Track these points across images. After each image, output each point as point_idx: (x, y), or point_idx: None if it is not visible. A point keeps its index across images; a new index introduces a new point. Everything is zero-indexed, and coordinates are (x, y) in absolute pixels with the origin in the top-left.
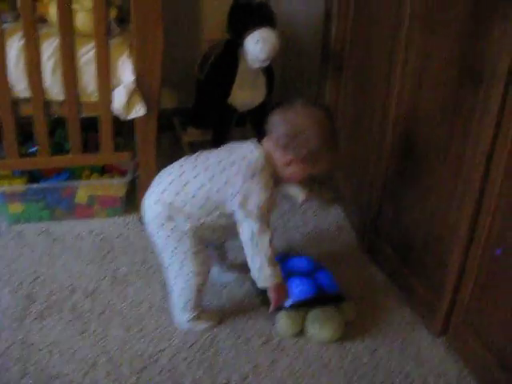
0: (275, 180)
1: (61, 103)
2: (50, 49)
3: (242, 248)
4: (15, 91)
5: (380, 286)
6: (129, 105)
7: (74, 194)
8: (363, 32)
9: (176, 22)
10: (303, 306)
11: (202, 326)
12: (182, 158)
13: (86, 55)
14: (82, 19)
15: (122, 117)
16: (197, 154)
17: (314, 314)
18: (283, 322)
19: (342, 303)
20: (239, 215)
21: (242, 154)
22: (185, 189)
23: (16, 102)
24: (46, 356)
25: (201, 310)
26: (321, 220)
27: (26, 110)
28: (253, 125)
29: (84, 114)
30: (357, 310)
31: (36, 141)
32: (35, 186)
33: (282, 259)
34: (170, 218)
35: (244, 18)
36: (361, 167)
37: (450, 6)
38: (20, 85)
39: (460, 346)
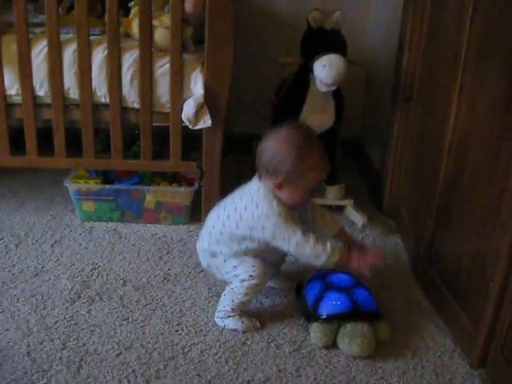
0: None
1: (136, 111)
2: (129, 60)
3: None
4: (96, 97)
5: (423, 311)
6: (197, 116)
7: (143, 199)
8: (432, 62)
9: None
10: (336, 319)
11: (237, 325)
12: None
13: (162, 68)
14: (161, 35)
15: (190, 126)
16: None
17: (345, 329)
18: (314, 335)
19: (376, 321)
20: (271, 242)
21: (247, 190)
22: (213, 230)
23: (97, 107)
24: (87, 335)
25: (242, 312)
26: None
27: (105, 115)
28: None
29: (156, 123)
30: (393, 330)
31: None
32: (108, 186)
33: (323, 275)
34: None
35: (315, 44)
36: (419, 195)
37: (502, 29)
38: (101, 91)
39: (496, 378)
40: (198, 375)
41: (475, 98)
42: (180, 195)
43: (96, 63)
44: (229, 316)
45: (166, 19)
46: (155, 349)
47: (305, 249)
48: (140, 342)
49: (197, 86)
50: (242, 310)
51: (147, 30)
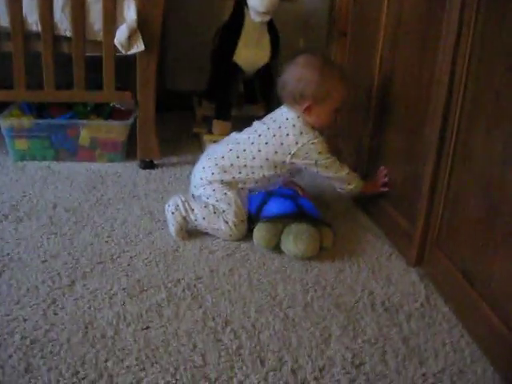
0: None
1: (69, 40)
2: None
3: None
4: (27, 24)
5: (363, 224)
6: (129, 41)
7: (77, 136)
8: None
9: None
10: (281, 219)
11: (171, 222)
12: (231, 134)
13: None
14: None
15: (123, 51)
16: (244, 130)
17: (290, 229)
18: (258, 234)
19: (320, 227)
20: (310, 168)
21: (284, 118)
22: (244, 154)
23: (28, 36)
24: (12, 246)
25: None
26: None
27: (36, 45)
28: (261, 88)
29: (89, 53)
30: (333, 237)
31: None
32: (41, 121)
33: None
34: (224, 175)
35: None
36: (355, 126)
37: None
38: (32, 17)
39: (431, 271)
40: (126, 275)
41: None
42: (115, 130)
43: None
44: (176, 212)
45: None
46: (83, 256)
47: (342, 174)
48: (67, 251)
49: (130, 12)
50: (186, 220)
51: None
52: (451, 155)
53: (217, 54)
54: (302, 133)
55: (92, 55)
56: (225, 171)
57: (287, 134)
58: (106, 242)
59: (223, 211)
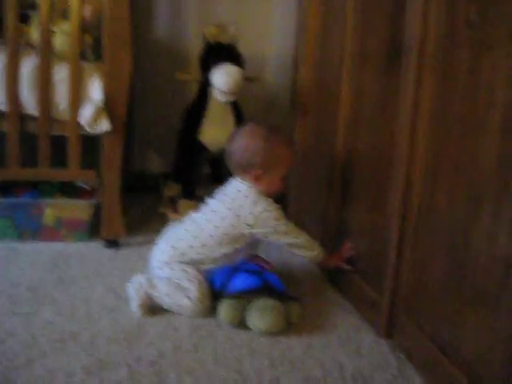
0: None
1: (35, 119)
2: (29, 67)
3: None
4: None
5: (331, 298)
6: (95, 120)
7: (41, 215)
8: (323, 73)
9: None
10: (246, 295)
11: (134, 300)
12: (189, 214)
13: (61, 74)
14: (60, 41)
15: (88, 130)
16: (198, 209)
17: (255, 304)
18: (223, 310)
19: (287, 302)
20: (269, 236)
21: (236, 190)
22: (201, 233)
23: None
24: None
25: (146, 297)
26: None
27: (2, 125)
28: (227, 167)
29: (55, 132)
30: (302, 312)
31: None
32: (2, 200)
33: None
34: (182, 257)
35: (212, 57)
36: (319, 201)
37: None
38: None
39: (402, 340)
40: (87, 354)
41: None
42: (80, 209)
43: None
44: (139, 289)
45: (66, 26)
46: (42, 335)
47: (302, 239)
48: (26, 329)
49: (96, 92)
50: (150, 297)
51: (46, 34)
52: (415, 222)
53: (182, 134)
54: (255, 202)
55: (57, 134)
56: (183, 254)
57: (241, 206)
58: (67, 320)
59: (185, 288)
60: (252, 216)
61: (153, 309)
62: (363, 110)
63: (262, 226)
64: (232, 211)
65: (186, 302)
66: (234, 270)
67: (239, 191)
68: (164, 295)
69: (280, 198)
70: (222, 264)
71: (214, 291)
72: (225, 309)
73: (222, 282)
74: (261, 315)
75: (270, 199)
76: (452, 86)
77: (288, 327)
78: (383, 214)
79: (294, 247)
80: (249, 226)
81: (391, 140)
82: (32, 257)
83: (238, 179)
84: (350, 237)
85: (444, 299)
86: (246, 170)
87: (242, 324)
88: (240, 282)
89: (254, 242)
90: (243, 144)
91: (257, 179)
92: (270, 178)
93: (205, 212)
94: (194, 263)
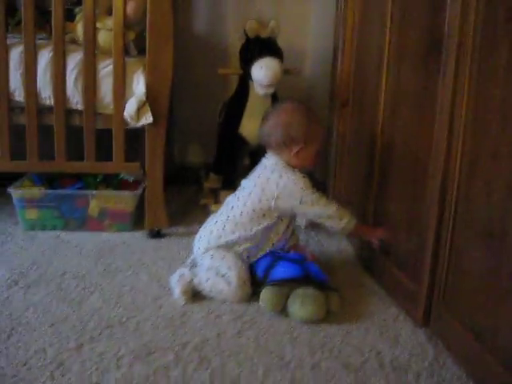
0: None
1: (80, 113)
2: (73, 62)
3: None
4: (41, 99)
5: (368, 288)
6: (138, 113)
7: (87, 206)
8: (362, 67)
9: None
10: (288, 283)
11: (177, 289)
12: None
13: (105, 69)
14: (104, 37)
15: (132, 123)
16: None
17: (296, 293)
18: (265, 297)
19: (327, 292)
20: (296, 209)
21: (263, 166)
22: (232, 212)
23: (41, 110)
24: (21, 311)
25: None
26: (324, 243)
27: (49, 118)
28: None
29: (100, 126)
30: (341, 302)
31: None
32: (51, 191)
33: (272, 252)
34: (219, 240)
35: (252, 51)
36: (359, 191)
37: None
38: (45, 92)
39: (439, 330)
40: (134, 339)
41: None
42: (124, 200)
43: (41, 65)
44: (180, 279)
45: (109, 22)
46: (90, 320)
47: (331, 209)
48: (75, 315)
49: (139, 86)
50: (191, 286)
51: (91, 31)
52: (452, 212)
53: (223, 127)
54: (281, 175)
55: (102, 128)
56: (219, 236)
57: (268, 179)
58: (114, 307)
59: (225, 274)
60: (277, 188)
61: (195, 297)
62: (402, 101)
63: (288, 197)
64: (258, 186)
65: (226, 287)
66: (276, 259)
67: (266, 167)
68: (204, 282)
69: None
70: (258, 244)
71: (257, 279)
72: (267, 296)
73: (265, 270)
74: (302, 304)
75: (297, 170)
76: (491, 76)
77: (327, 316)
78: (421, 203)
79: (322, 218)
80: (274, 198)
81: (430, 130)
82: (78, 246)
83: (269, 156)
84: (388, 226)
85: (481, 288)
86: (287, 145)
87: (283, 311)
88: (282, 270)
89: (287, 217)
90: (286, 120)
91: (297, 154)
92: (308, 153)
93: (237, 192)
94: (231, 246)
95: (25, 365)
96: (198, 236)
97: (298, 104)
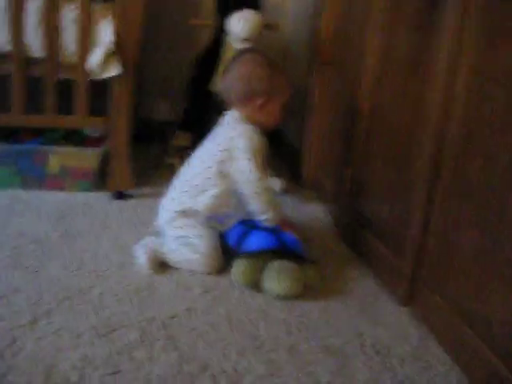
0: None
1: (41, 62)
2: (34, 5)
3: None
4: None
5: (348, 262)
6: (104, 64)
7: (45, 162)
8: (345, 23)
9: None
10: (262, 256)
11: (142, 258)
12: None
13: (70, 15)
14: None
15: (97, 75)
16: None
17: (271, 266)
18: (237, 270)
19: (304, 263)
20: (234, 170)
21: (225, 123)
22: (192, 172)
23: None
24: None
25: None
26: (300, 210)
27: (6, 67)
28: None
29: (62, 76)
30: (321, 275)
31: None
32: (6, 146)
33: (245, 221)
34: (182, 206)
35: (230, 2)
36: (338, 158)
37: None
38: (2, 38)
39: (423, 310)
40: (96, 313)
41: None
42: (86, 157)
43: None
44: (146, 247)
45: None
46: (48, 291)
47: (262, 189)
48: (31, 285)
49: (106, 34)
50: (157, 255)
51: None
52: (445, 185)
53: (194, 83)
54: (235, 127)
55: (65, 78)
56: (182, 203)
57: (221, 134)
58: (74, 275)
59: (193, 244)
60: (226, 141)
61: (162, 268)
62: (392, 60)
63: (232, 155)
64: (213, 142)
65: (195, 256)
66: (250, 228)
67: (228, 123)
68: (172, 252)
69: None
70: (222, 211)
71: (229, 249)
72: (239, 268)
73: (237, 240)
74: (277, 277)
75: (254, 127)
76: (496, 43)
77: (304, 291)
78: (409, 173)
79: (251, 199)
80: (220, 151)
81: (422, 97)
82: (37, 207)
83: (230, 112)
84: (370, 196)
85: (473, 270)
86: (250, 98)
87: (256, 285)
88: (256, 240)
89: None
90: (247, 71)
91: (261, 107)
92: (273, 106)
93: (196, 152)
94: (194, 212)
95: None
96: (161, 204)
97: (259, 54)
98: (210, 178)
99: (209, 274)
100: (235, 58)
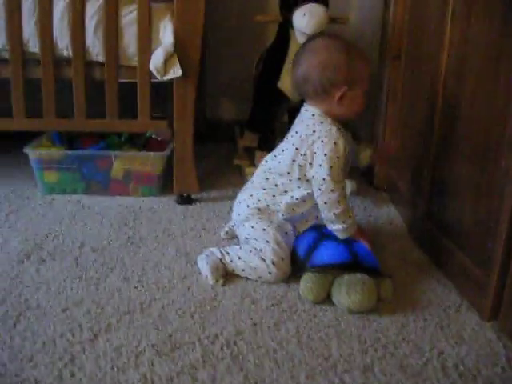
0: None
1: (101, 66)
2: (93, 8)
3: None
4: (57, 50)
5: (423, 268)
6: (166, 66)
7: (109, 168)
8: (418, 16)
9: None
10: (332, 270)
11: (206, 268)
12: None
13: (128, 16)
14: None
15: (159, 77)
16: None
17: (341, 279)
18: (305, 287)
19: (377, 277)
20: (311, 173)
21: (300, 120)
22: (271, 172)
23: (58, 62)
24: (31, 291)
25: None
26: (372, 214)
27: (67, 71)
28: None
29: (123, 79)
30: (394, 289)
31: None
32: (71, 152)
33: (318, 226)
34: (260, 204)
35: None
36: (414, 157)
37: None
38: (62, 42)
39: (511, 326)
40: (157, 329)
41: (464, 49)
42: (150, 162)
43: (57, 12)
44: (210, 256)
45: None
46: (108, 304)
47: (334, 200)
48: (92, 297)
49: (166, 35)
50: (221, 264)
51: None
52: None
53: (260, 81)
54: (314, 131)
55: (126, 81)
56: (259, 200)
57: (307, 125)
58: (136, 287)
59: (261, 250)
60: (305, 144)
61: (227, 278)
62: (472, 55)
63: (311, 160)
64: (291, 143)
65: (260, 265)
66: (320, 237)
67: (303, 120)
68: (236, 258)
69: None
70: (305, 213)
71: (298, 259)
72: (307, 285)
73: (307, 250)
74: (348, 292)
75: (335, 126)
76: None
77: (378, 305)
78: (495, 175)
79: (322, 208)
80: (300, 155)
81: (508, 91)
82: (100, 213)
83: (307, 107)
84: (451, 199)
85: None
86: (327, 91)
87: (327, 300)
88: (326, 253)
89: None
90: (321, 61)
91: (341, 100)
92: (354, 97)
93: (274, 151)
94: (270, 212)
95: (31, 360)
96: (236, 201)
97: (333, 38)
98: (290, 180)
99: (275, 283)
100: (306, 45)
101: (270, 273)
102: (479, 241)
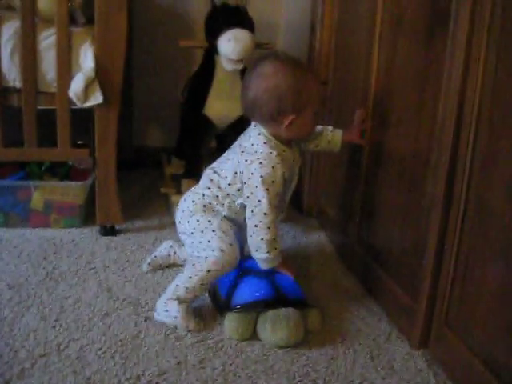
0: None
1: (18, 92)
2: (9, 31)
3: None
4: None
5: (353, 296)
6: (86, 92)
7: (29, 199)
8: (346, 44)
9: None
10: (254, 307)
11: (175, 314)
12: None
13: (47, 40)
14: (45, 2)
15: (79, 104)
16: None
17: (265, 315)
18: (229, 325)
19: (303, 309)
20: (246, 191)
21: (248, 135)
22: (213, 177)
23: None
24: None
25: (188, 305)
26: (301, 241)
27: None
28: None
29: (42, 105)
30: (322, 319)
31: None
32: None
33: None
34: (204, 208)
35: (219, 21)
36: (343, 185)
37: None
38: None
39: (440, 354)
40: (74, 372)
41: (391, 75)
42: (72, 192)
43: None
44: (176, 299)
45: None
46: (23, 347)
47: (266, 226)
48: (5, 340)
49: (87, 59)
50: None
51: None
52: (461, 214)
53: (186, 107)
54: (256, 150)
55: (45, 108)
56: (204, 196)
57: (252, 144)
58: (53, 327)
59: (208, 241)
60: (245, 164)
61: (149, 316)
62: (399, 81)
63: (247, 181)
64: (235, 152)
65: (210, 255)
66: (240, 274)
67: (250, 136)
68: (188, 278)
69: None
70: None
71: (220, 299)
72: (232, 324)
73: (228, 289)
74: (273, 328)
75: (276, 152)
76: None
77: (307, 337)
78: (421, 202)
79: (251, 231)
80: (240, 172)
81: (433, 114)
82: (18, 246)
83: (257, 124)
84: (379, 224)
85: (496, 309)
86: (275, 119)
87: (254, 335)
88: (247, 291)
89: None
90: (269, 88)
91: (289, 126)
92: (303, 121)
93: (221, 159)
94: (216, 210)
95: None
96: (182, 199)
97: (281, 60)
98: (232, 189)
99: (228, 270)
100: (256, 68)
101: (218, 261)
102: (408, 267)
